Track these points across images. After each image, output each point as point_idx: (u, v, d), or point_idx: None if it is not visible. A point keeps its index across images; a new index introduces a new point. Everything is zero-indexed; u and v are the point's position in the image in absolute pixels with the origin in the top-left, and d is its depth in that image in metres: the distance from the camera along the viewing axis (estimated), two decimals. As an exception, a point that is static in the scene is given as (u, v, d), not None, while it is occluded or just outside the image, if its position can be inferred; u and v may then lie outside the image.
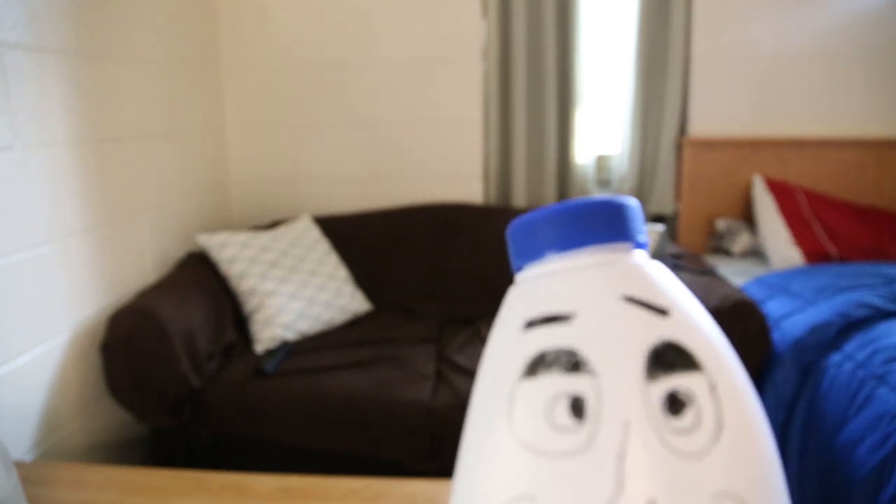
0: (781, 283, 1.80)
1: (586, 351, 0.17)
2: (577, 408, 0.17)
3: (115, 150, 1.62)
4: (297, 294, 1.82)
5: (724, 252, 2.24)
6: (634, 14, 2.21)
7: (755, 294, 1.78)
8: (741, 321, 1.44)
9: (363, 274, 2.10)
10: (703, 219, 2.32)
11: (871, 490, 1.17)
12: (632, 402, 0.17)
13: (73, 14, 1.46)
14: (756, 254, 2.20)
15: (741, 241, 2.19)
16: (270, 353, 1.72)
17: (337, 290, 1.93)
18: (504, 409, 0.18)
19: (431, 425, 1.47)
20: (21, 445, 1.29)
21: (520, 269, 0.21)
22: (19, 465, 0.66)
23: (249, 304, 1.79)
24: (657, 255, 1.70)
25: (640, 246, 0.20)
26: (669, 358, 0.17)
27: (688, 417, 0.17)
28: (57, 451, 1.38)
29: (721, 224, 2.25)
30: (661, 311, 0.18)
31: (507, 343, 0.19)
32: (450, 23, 2.23)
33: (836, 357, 1.42)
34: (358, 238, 2.16)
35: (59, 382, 1.40)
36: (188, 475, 0.70)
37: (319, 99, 2.30)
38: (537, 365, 0.18)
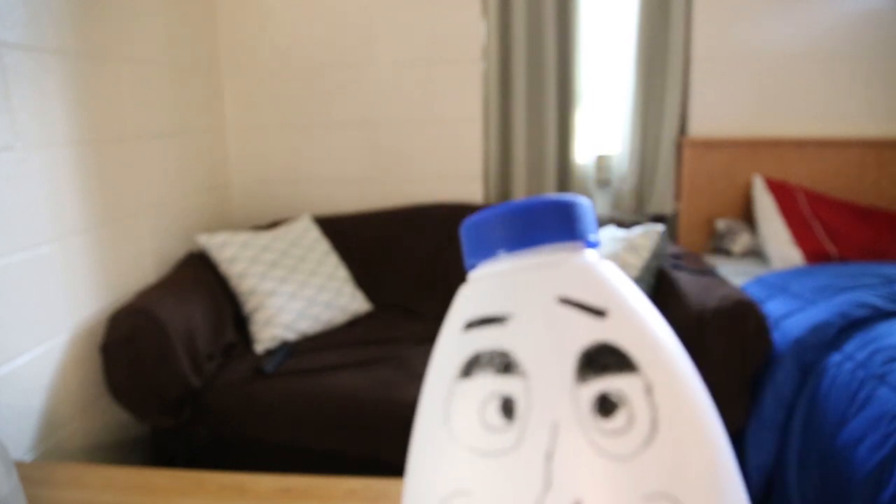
0: (781, 283, 1.80)
1: (519, 353, 0.18)
2: (508, 408, 0.17)
3: (115, 150, 1.62)
4: (297, 294, 1.82)
5: (724, 252, 2.24)
6: (634, 14, 2.21)
7: (755, 294, 1.78)
8: (741, 321, 1.44)
9: (363, 274, 2.10)
10: (703, 219, 2.32)
11: (871, 490, 1.17)
12: (561, 403, 0.17)
13: (73, 14, 1.46)
14: (756, 254, 2.20)
15: (741, 241, 2.19)
16: (270, 353, 1.72)
17: (337, 291, 1.93)
18: (442, 408, 0.18)
19: (431, 425, 1.47)
20: (21, 445, 1.29)
21: (472, 267, 0.21)
22: (19, 465, 0.66)
23: (249, 304, 1.79)
24: (657, 255, 1.70)
25: (591, 245, 0.20)
26: (602, 359, 0.18)
27: (619, 419, 0.17)
28: (57, 451, 1.38)
29: (721, 224, 2.25)
30: (599, 313, 0.18)
31: (448, 344, 0.20)
32: (450, 23, 2.23)
33: (836, 357, 1.42)
34: (358, 238, 2.16)
35: (59, 382, 1.40)
36: (188, 475, 0.70)
37: (319, 99, 2.30)
38: (472, 366, 0.18)
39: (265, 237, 1.91)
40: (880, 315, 1.48)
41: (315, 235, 2.05)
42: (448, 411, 0.18)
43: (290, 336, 1.78)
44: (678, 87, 2.23)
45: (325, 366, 1.62)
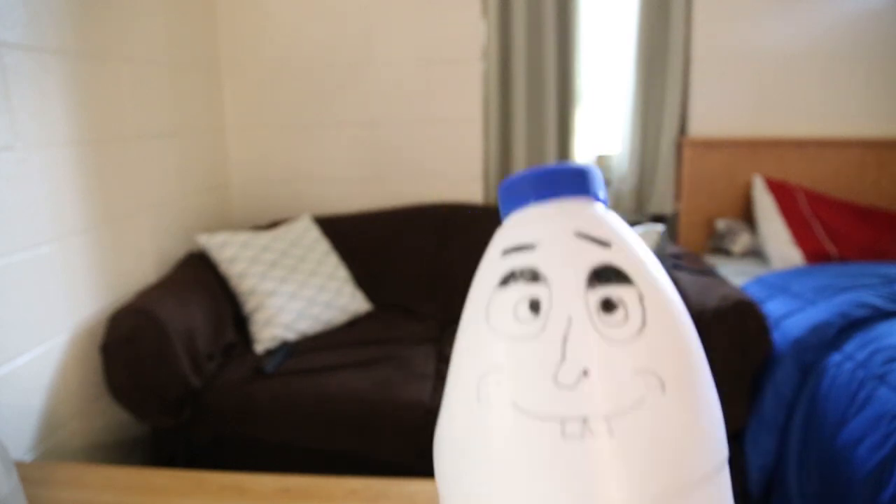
0: (781, 283, 1.80)
1: (544, 268, 0.24)
2: (535, 307, 0.23)
3: (115, 150, 1.62)
4: (297, 294, 1.82)
5: (724, 252, 2.24)
6: (634, 14, 2.21)
7: (755, 294, 1.78)
8: (741, 321, 1.44)
9: (363, 274, 2.10)
10: (703, 219, 2.32)
11: (871, 490, 1.17)
12: (575, 303, 0.23)
13: (73, 14, 1.46)
14: (756, 254, 2.20)
15: (741, 241, 2.19)
16: (270, 353, 1.72)
17: (337, 291, 1.93)
18: (484, 310, 0.24)
19: (431, 425, 1.47)
20: (21, 445, 1.29)
21: (506, 215, 0.27)
22: (19, 465, 0.66)
23: (249, 304, 1.79)
24: (657, 255, 1.70)
25: (600, 201, 0.27)
26: (607, 275, 0.23)
27: (618, 316, 0.23)
28: (57, 451, 1.38)
29: (721, 224, 2.25)
30: (605, 244, 0.24)
31: (489, 266, 0.26)
32: (450, 23, 2.23)
33: (836, 357, 1.42)
34: (358, 238, 2.16)
35: (59, 382, 1.40)
36: (188, 475, 0.70)
37: (319, 99, 2.30)
38: (508, 279, 0.24)
39: (265, 237, 1.91)
40: (880, 315, 1.48)
41: (315, 235, 2.05)
42: (488, 311, 0.24)
43: (290, 336, 1.78)
44: (678, 87, 2.23)
45: (325, 366, 1.62)
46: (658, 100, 2.27)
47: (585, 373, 0.22)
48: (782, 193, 2.16)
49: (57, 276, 1.40)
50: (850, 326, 1.47)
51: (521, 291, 0.24)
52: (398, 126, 2.31)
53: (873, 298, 1.52)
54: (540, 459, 0.21)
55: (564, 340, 0.22)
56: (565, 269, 0.24)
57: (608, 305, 0.23)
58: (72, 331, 1.45)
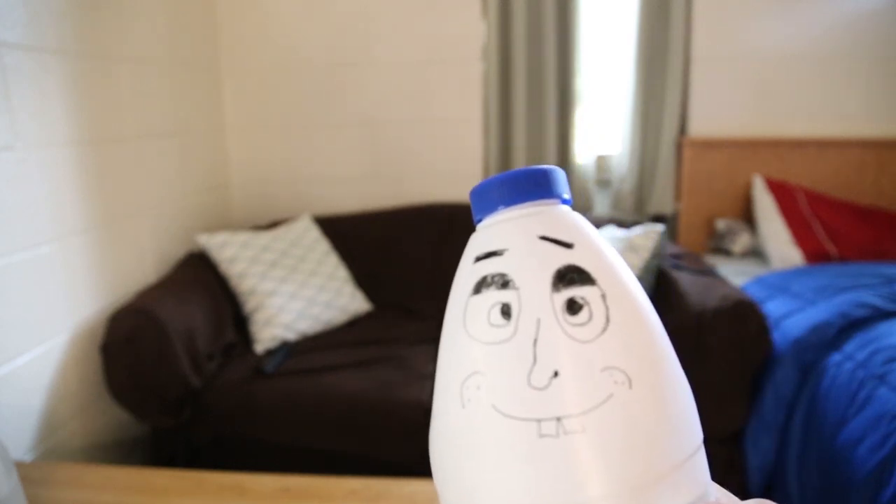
0: (781, 283, 1.80)
1: (513, 274, 0.25)
2: (506, 311, 0.24)
3: (115, 150, 1.62)
4: (297, 294, 1.82)
5: (724, 252, 2.24)
6: (634, 14, 2.21)
7: (755, 294, 1.78)
8: (741, 321, 1.44)
9: (363, 274, 2.10)
10: (703, 219, 2.32)
11: (871, 490, 1.17)
12: (542, 305, 0.24)
13: (73, 14, 1.46)
14: (756, 254, 2.20)
15: (741, 241, 2.19)
16: (270, 353, 1.72)
17: (337, 291, 1.93)
18: (461, 317, 0.26)
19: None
20: (21, 445, 1.29)
21: (479, 221, 0.29)
22: (19, 465, 0.66)
23: (249, 304, 1.79)
24: (657, 255, 1.70)
25: (564, 202, 0.28)
26: (570, 276, 0.24)
27: (583, 316, 0.24)
28: (57, 451, 1.38)
29: (721, 224, 2.25)
30: (567, 245, 0.25)
31: (463, 273, 0.27)
32: (450, 23, 2.23)
33: (836, 357, 1.42)
34: (358, 238, 2.16)
35: (59, 382, 1.40)
36: (188, 475, 0.70)
37: (319, 99, 2.30)
38: (481, 285, 0.25)
39: (265, 237, 1.91)
40: (880, 315, 1.48)
41: (315, 235, 2.05)
42: (465, 318, 0.25)
43: (290, 336, 1.78)
44: (678, 87, 2.23)
45: (325, 366, 1.62)
46: (658, 100, 2.27)
47: (556, 374, 0.23)
48: (782, 193, 2.16)
49: (57, 276, 1.40)
50: (850, 326, 1.47)
51: (493, 297, 0.25)
52: (398, 126, 2.31)
53: (873, 298, 1.52)
54: (520, 457, 0.23)
55: (534, 343, 0.23)
56: (531, 273, 0.25)
57: (573, 306, 0.24)
58: (72, 331, 1.45)
